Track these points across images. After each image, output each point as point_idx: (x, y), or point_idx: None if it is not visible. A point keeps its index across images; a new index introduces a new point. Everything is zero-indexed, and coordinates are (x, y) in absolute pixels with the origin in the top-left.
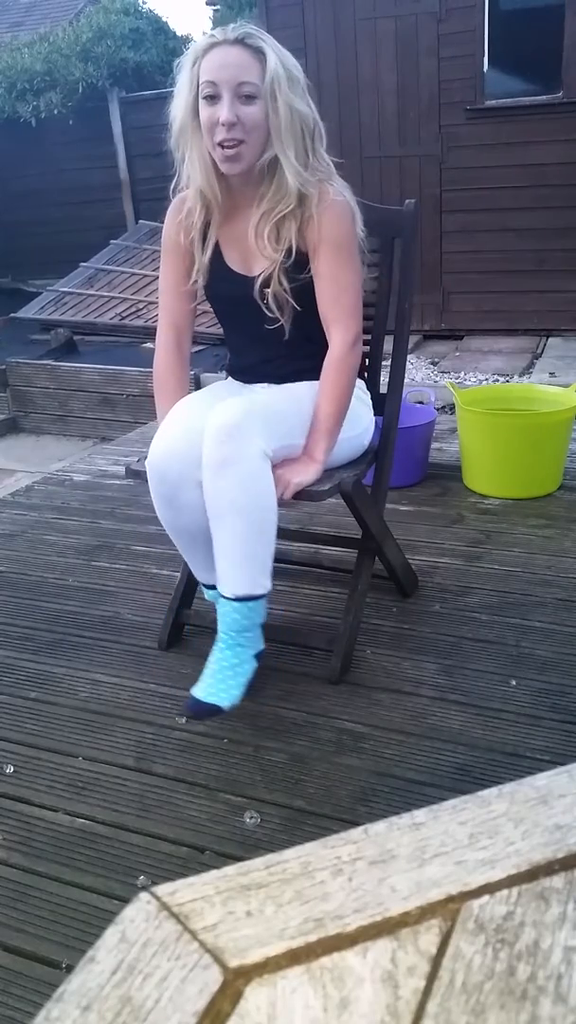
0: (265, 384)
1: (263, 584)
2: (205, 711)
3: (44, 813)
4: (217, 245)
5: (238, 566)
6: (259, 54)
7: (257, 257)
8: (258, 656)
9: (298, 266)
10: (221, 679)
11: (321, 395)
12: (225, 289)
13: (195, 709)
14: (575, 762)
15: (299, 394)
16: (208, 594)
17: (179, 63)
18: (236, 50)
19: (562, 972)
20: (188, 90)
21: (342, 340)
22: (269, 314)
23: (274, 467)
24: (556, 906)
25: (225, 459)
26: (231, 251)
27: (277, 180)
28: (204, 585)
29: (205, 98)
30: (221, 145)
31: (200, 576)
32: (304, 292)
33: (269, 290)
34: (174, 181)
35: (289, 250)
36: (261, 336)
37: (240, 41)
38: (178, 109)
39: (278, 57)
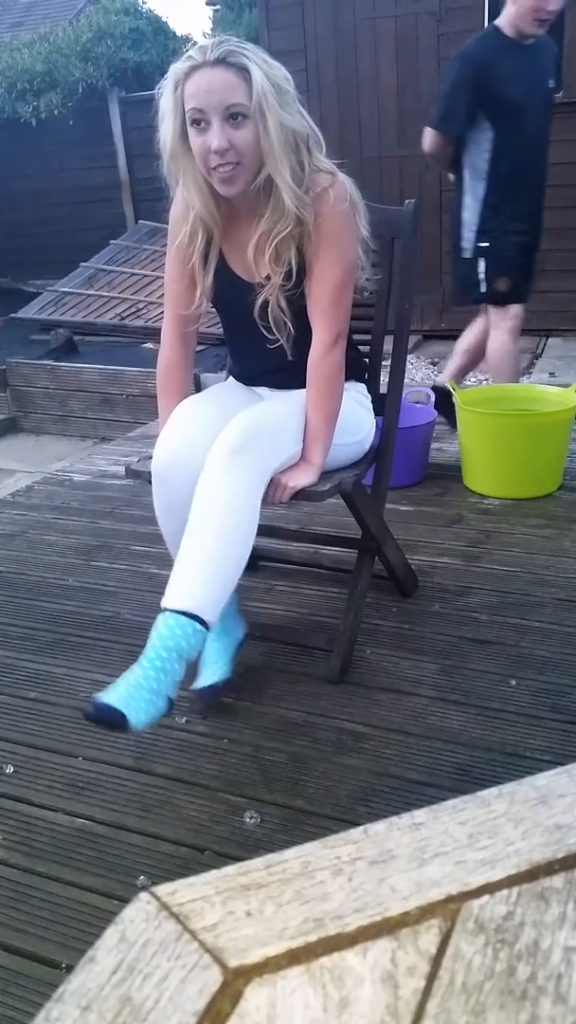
0: (266, 388)
1: (209, 611)
2: (110, 719)
3: (44, 813)
4: (221, 253)
5: (191, 579)
6: (244, 72)
7: (255, 269)
8: (170, 704)
9: (300, 282)
10: (137, 695)
11: (308, 404)
12: (230, 295)
13: (100, 713)
14: (575, 762)
15: (300, 402)
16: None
17: (160, 88)
18: (219, 71)
19: (562, 972)
20: (173, 116)
21: (319, 342)
22: (269, 336)
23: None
24: (556, 906)
25: (225, 468)
26: (235, 259)
27: (274, 199)
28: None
29: (193, 125)
30: (215, 170)
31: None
32: (304, 311)
33: (269, 308)
34: (171, 208)
35: (289, 272)
36: (263, 348)
37: (222, 61)
38: (166, 136)
39: (263, 72)
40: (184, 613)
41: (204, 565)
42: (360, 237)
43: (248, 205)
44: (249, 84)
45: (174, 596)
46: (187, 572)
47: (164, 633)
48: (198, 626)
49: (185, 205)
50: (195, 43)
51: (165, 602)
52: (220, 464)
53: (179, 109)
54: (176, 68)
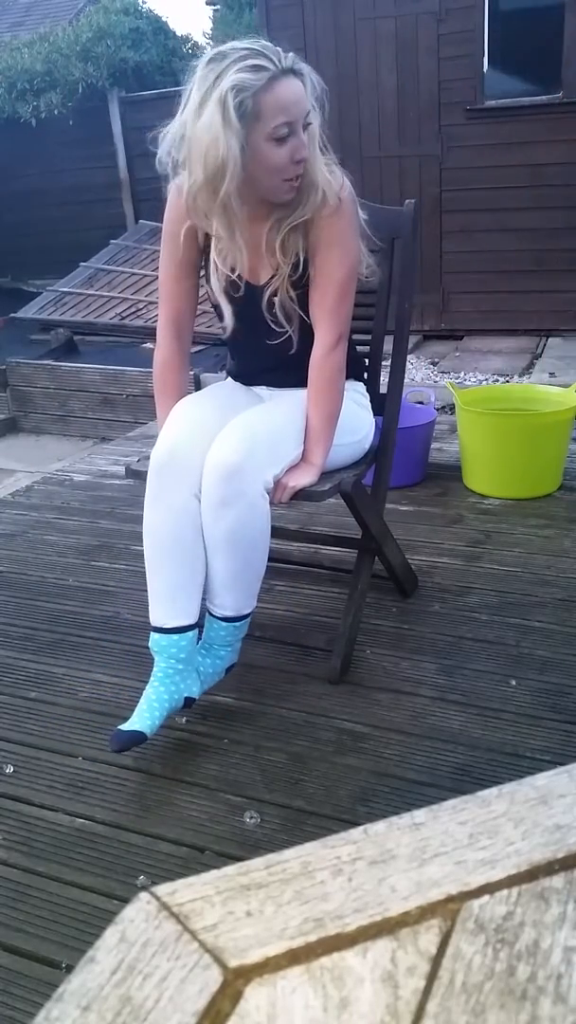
0: (265, 387)
1: (249, 605)
2: (184, 706)
3: (44, 813)
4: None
5: (228, 592)
6: (304, 78)
7: (264, 267)
8: (229, 669)
9: (305, 270)
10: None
11: (309, 405)
12: (234, 295)
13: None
14: (575, 762)
15: (300, 403)
16: (155, 640)
17: (226, 104)
18: (294, 80)
19: (562, 972)
20: (240, 130)
21: (321, 343)
22: (276, 328)
23: None
24: (556, 906)
25: (225, 499)
26: (240, 260)
27: (298, 196)
28: (155, 628)
29: (278, 139)
30: (291, 180)
31: (159, 612)
32: (307, 301)
33: (276, 300)
34: (168, 212)
35: (296, 263)
36: (266, 345)
37: (291, 69)
38: (232, 154)
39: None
40: (226, 619)
41: (231, 579)
42: (360, 231)
43: (266, 207)
44: (306, 90)
45: (215, 607)
46: (219, 585)
47: (211, 635)
48: (240, 621)
49: (201, 223)
50: (198, 45)
51: (210, 608)
52: (219, 494)
53: (246, 123)
54: (246, 79)
